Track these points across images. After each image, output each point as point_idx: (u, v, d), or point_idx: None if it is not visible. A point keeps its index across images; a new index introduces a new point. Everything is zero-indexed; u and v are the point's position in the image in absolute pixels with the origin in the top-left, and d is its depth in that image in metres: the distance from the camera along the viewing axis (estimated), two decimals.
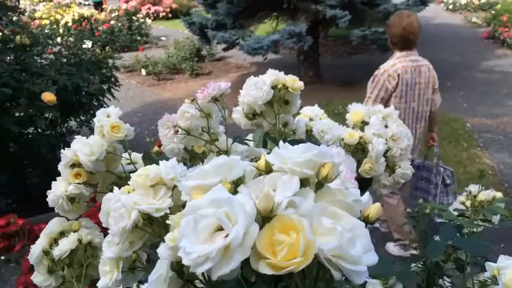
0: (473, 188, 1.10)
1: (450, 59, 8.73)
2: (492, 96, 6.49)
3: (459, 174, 4.09)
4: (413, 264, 0.99)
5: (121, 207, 0.59)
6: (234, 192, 0.44)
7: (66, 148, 0.84)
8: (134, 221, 0.59)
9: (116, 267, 0.65)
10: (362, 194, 0.50)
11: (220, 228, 0.39)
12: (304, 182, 0.44)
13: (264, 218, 0.40)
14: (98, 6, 14.50)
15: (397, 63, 2.82)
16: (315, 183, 0.45)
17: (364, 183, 1.00)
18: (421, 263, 0.99)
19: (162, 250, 0.48)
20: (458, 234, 0.92)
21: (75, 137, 0.85)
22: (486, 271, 0.79)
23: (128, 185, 0.64)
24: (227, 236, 0.37)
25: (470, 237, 0.96)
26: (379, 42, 6.49)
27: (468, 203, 1.09)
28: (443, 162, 3.13)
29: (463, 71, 7.90)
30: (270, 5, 6.82)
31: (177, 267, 0.49)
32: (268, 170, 0.46)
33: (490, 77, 7.52)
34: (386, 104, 2.69)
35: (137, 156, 0.92)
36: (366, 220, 0.48)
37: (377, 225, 3.25)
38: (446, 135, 5.01)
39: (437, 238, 0.94)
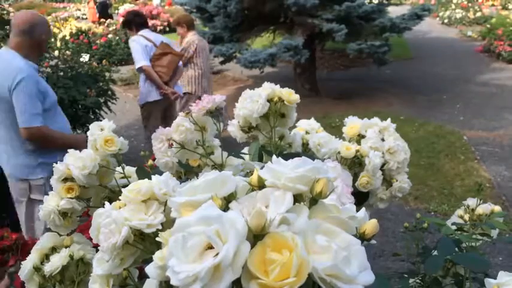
0: (471, 201, 1.09)
1: (446, 72, 8.78)
2: (488, 109, 6.51)
3: (456, 187, 4.08)
4: (411, 280, 0.98)
5: (111, 223, 0.57)
6: (226, 208, 0.42)
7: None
8: (125, 237, 0.57)
9: (106, 285, 0.64)
10: (359, 208, 0.49)
11: (210, 247, 0.37)
12: (298, 198, 0.43)
13: (256, 236, 0.38)
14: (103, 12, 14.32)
15: None
16: (309, 199, 0.44)
17: (361, 197, 0.99)
18: (420, 278, 0.98)
19: (150, 269, 0.47)
20: (456, 249, 0.91)
21: (69, 150, 0.84)
22: (486, 287, 0.77)
23: (120, 200, 0.62)
24: (217, 254, 0.36)
25: (469, 251, 0.95)
26: (376, 56, 6.53)
27: (466, 217, 1.07)
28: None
29: (459, 84, 7.93)
30: (267, 19, 6.86)
31: (166, 287, 0.48)
32: (261, 185, 0.44)
33: (486, 90, 7.55)
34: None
35: (131, 170, 0.91)
36: (362, 237, 0.46)
37: None
38: (443, 148, 5.01)
39: (435, 253, 0.93)
